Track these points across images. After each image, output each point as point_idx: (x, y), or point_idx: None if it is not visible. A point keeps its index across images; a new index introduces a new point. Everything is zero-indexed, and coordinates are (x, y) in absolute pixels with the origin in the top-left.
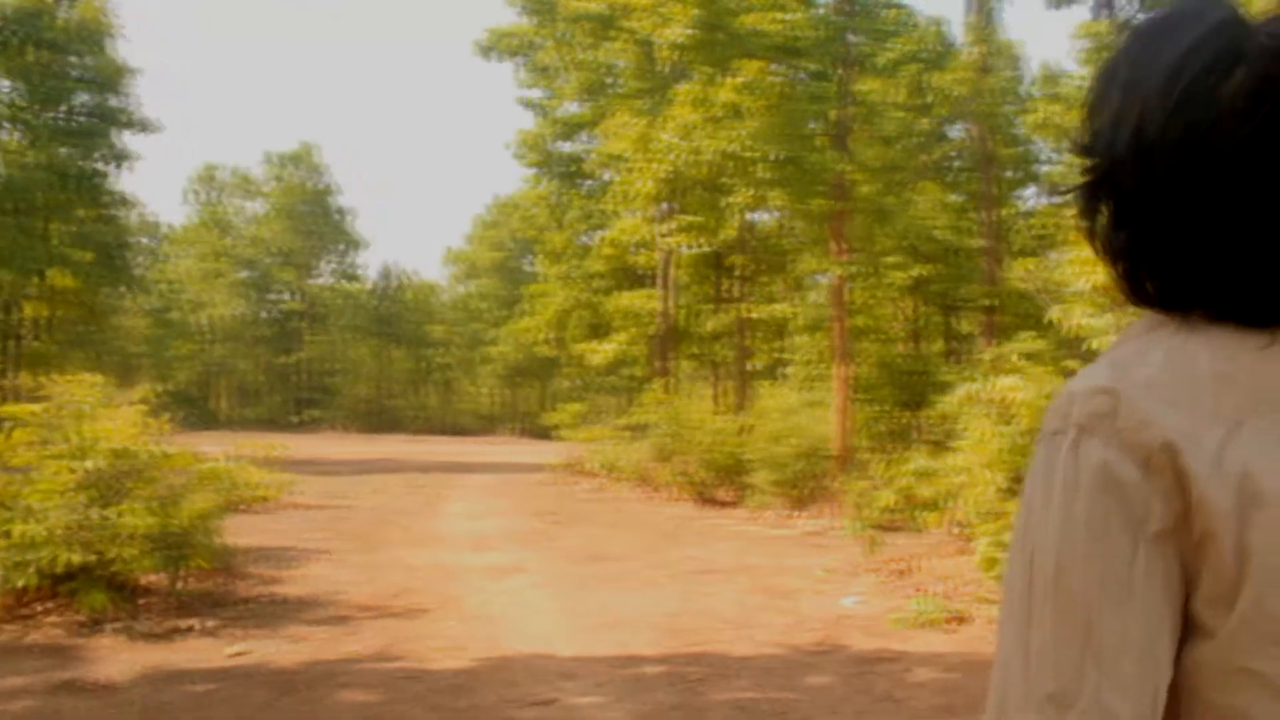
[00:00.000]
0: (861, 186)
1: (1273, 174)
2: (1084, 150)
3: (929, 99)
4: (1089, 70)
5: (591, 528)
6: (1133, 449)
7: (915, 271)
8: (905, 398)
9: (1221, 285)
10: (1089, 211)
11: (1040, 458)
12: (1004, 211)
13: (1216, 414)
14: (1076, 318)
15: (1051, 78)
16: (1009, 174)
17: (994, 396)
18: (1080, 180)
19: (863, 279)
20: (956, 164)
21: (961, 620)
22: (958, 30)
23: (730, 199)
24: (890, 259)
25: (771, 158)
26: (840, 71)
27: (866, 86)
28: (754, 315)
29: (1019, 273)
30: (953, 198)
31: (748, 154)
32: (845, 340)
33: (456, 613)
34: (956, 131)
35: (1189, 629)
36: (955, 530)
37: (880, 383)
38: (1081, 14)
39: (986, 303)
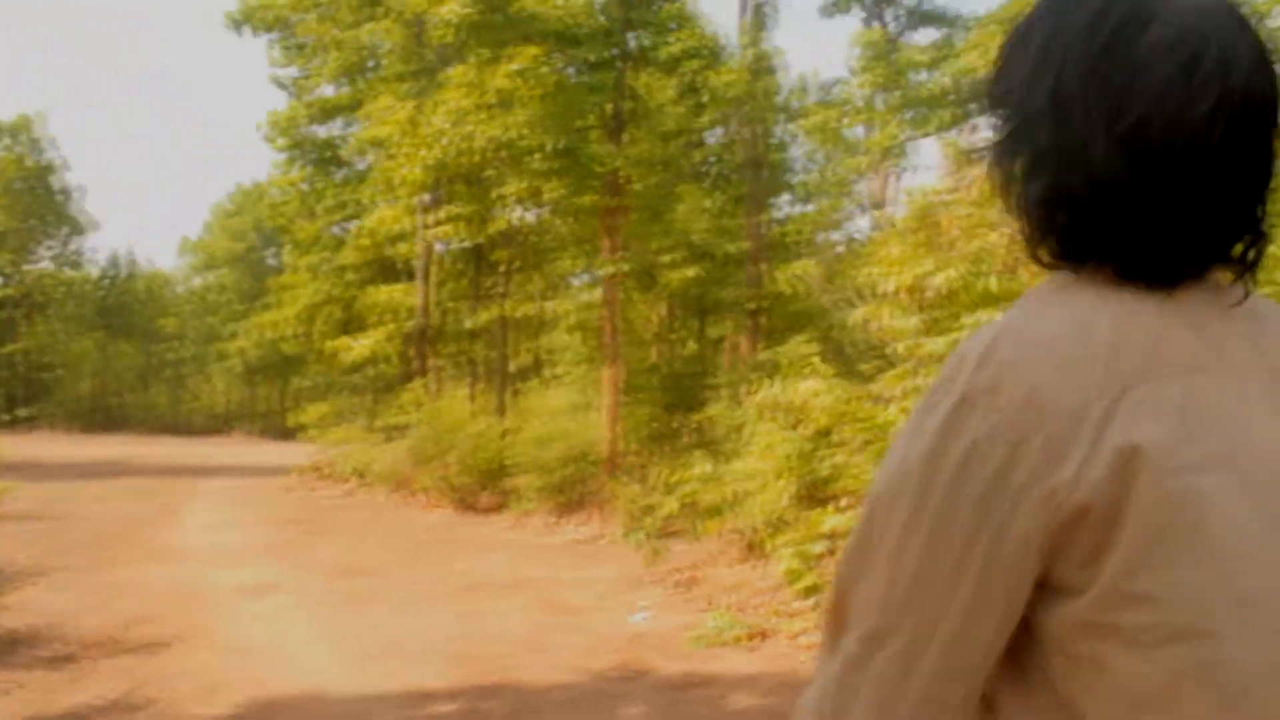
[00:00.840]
0: (636, 183)
1: (1187, 127)
2: (997, 104)
3: (704, 98)
4: (866, 76)
5: (347, 537)
6: (1008, 427)
7: (691, 272)
8: (674, 400)
9: (1129, 240)
10: (1002, 165)
11: (922, 406)
12: (764, 216)
13: (1104, 382)
14: (885, 319)
15: (825, 85)
16: (769, 179)
17: (792, 401)
18: (996, 135)
19: (634, 278)
20: (716, 168)
21: (764, 636)
22: (734, 33)
23: (502, 190)
24: (666, 258)
25: (550, 148)
26: (619, 64)
27: (644, 81)
28: (519, 313)
29: (794, 273)
30: (708, 202)
31: (523, 143)
32: (616, 341)
33: (207, 644)
34: (718, 135)
35: (1053, 590)
36: (736, 538)
37: (648, 385)
38: (853, 23)
39: (753, 306)
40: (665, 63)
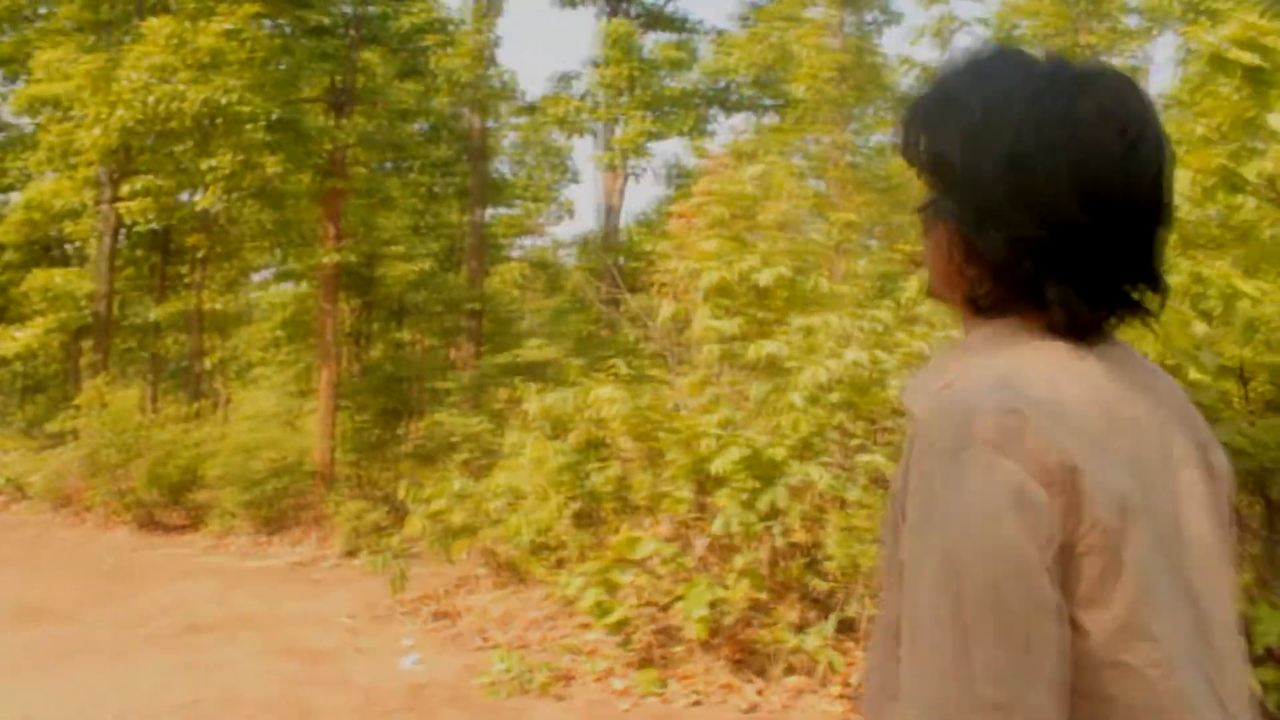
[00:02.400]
0: (363, 165)
1: (1142, 185)
2: (928, 165)
3: (437, 80)
4: (612, 70)
5: (16, 568)
6: (1042, 471)
7: (422, 266)
8: (394, 406)
9: (1083, 286)
10: (939, 218)
11: (943, 474)
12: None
13: (1094, 436)
14: (703, 319)
15: (566, 78)
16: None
17: (563, 409)
18: (932, 191)
19: (364, 268)
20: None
21: (566, 679)
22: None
23: (212, 162)
24: (395, 249)
25: (273, 117)
26: (348, 32)
27: (372, 56)
28: (216, 306)
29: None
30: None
31: (241, 108)
32: (335, 339)
33: None
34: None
35: (1076, 629)
36: (487, 561)
37: (366, 388)
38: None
39: (473, 306)
40: (396, 35)
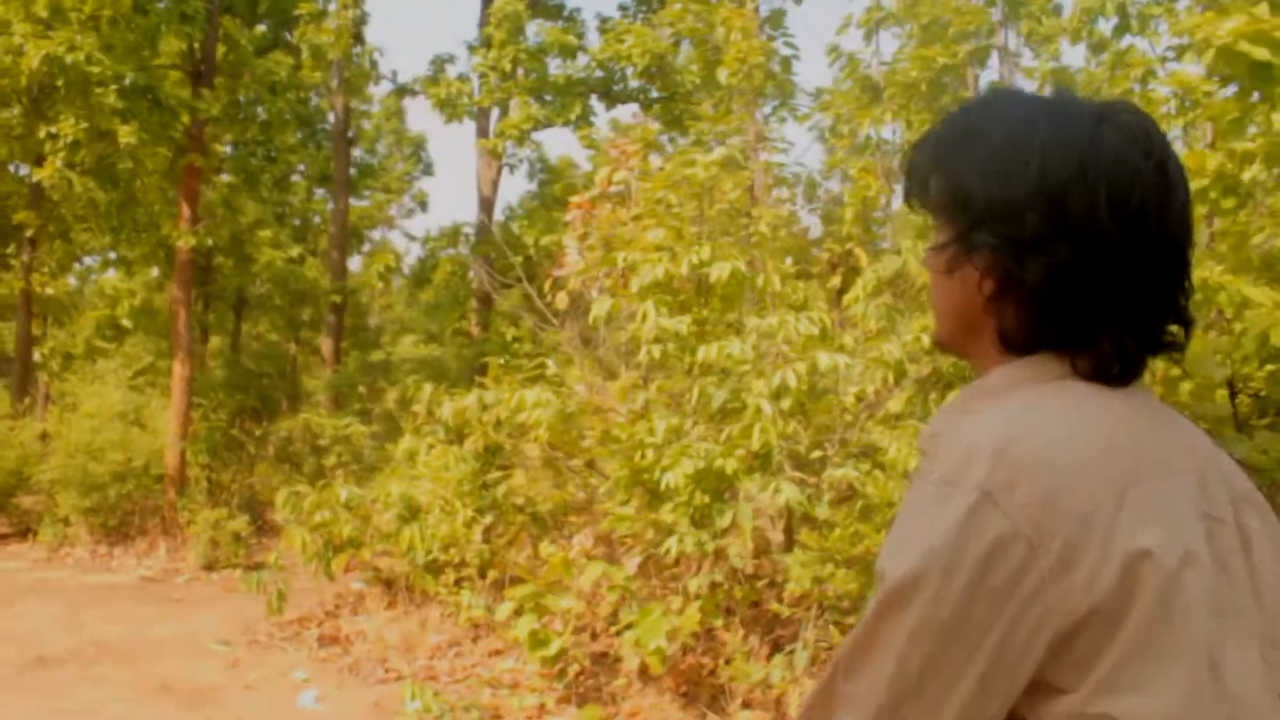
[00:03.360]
0: (228, 140)
1: (1174, 215)
2: (947, 204)
3: (306, 57)
4: (500, 52)
5: None
6: (1032, 526)
7: (295, 251)
8: (252, 405)
9: (1117, 335)
10: (956, 258)
11: (924, 505)
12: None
13: (1108, 486)
14: (651, 317)
15: (441, 60)
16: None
17: (491, 413)
18: (950, 229)
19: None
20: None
21: (495, 718)
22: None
23: (53, 128)
24: (264, 234)
25: (127, 82)
26: None
27: (237, 25)
28: (49, 291)
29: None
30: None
31: (90, 68)
32: (190, 330)
33: None
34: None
35: (1044, 688)
36: (372, 577)
37: (221, 385)
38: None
39: (336, 299)
40: (262, 2)
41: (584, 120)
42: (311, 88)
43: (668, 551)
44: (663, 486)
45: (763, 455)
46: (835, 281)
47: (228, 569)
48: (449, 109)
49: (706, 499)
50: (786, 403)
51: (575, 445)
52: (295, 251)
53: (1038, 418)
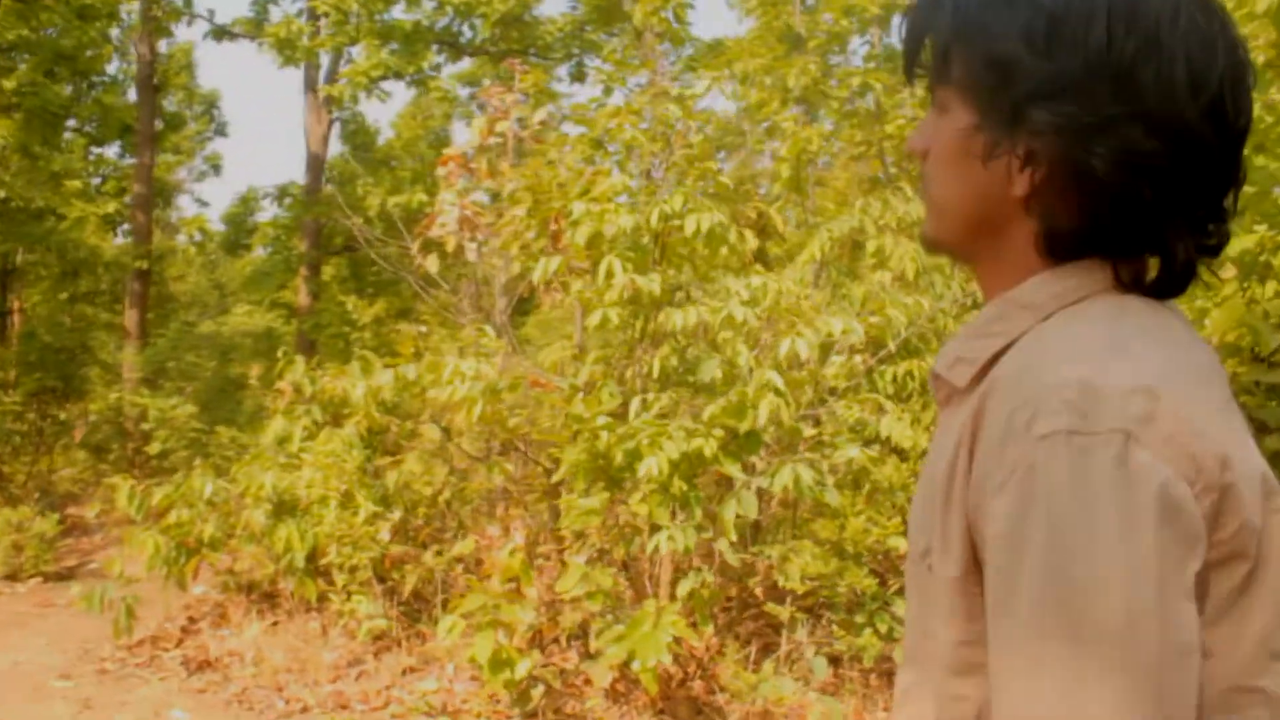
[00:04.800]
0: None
1: (1245, 107)
2: (982, 78)
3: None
4: None
5: None
6: (1188, 462)
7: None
8: (51, 385)
9: (1185, 239)
10: (998, 139)
11: (1054, 467)
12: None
13: (1222, 407)
14: (618, 276)
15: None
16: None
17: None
18: (989, 102)
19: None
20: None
21: None
22: None
23: None
24: (73, 184)
25: None
26: None
27: None
28: None
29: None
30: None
31: None
32: None
33: None
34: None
35: None
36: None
37: (11, 362)
38: None
39: (142, 265)
40: None
41: (434, 71)
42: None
43: (656, 549)
44: (642, 473)
45: (744, 436)
46: (754, 243)
47: (34, 578)
48: (286, 51)
49: (684, 486)
50: (796, 374)
51: (504, 425)
52: (111, 207)
53: (1142, 339)
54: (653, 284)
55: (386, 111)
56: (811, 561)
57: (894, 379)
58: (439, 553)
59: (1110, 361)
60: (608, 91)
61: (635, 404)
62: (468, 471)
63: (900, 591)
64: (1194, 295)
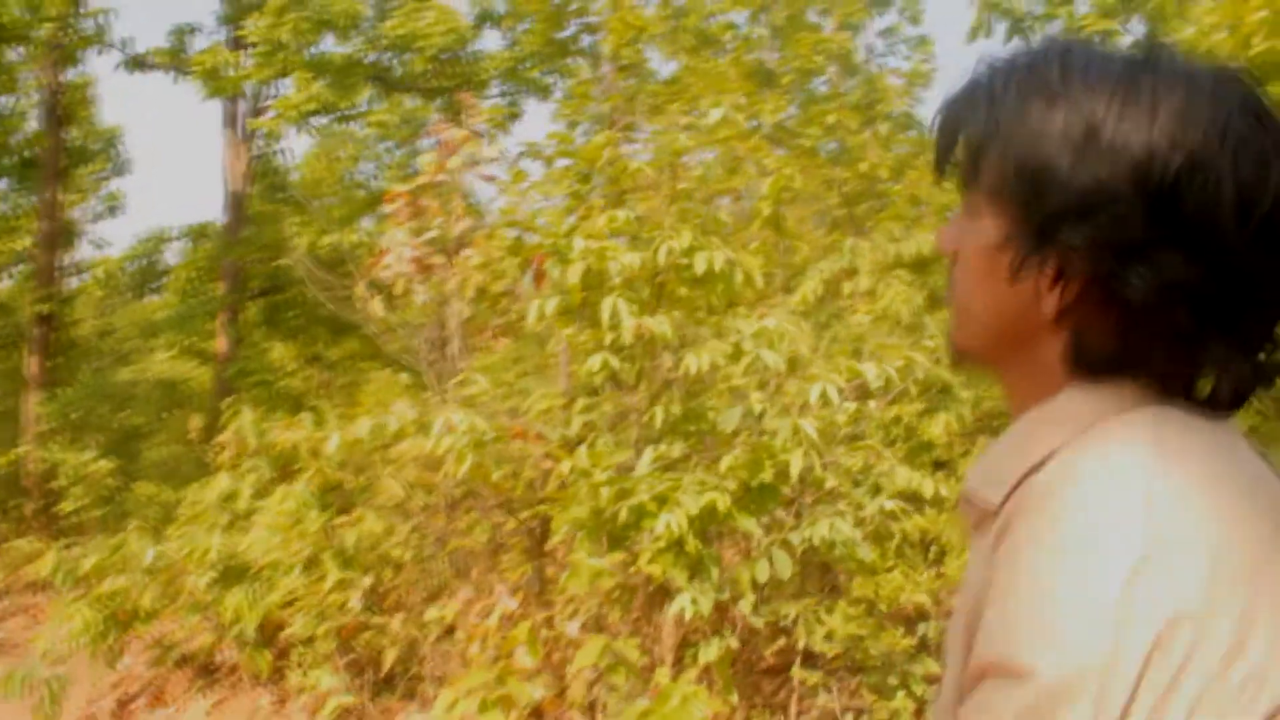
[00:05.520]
0: None
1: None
2: (1015, 187)
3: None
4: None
5: None
6: (1199, 599)
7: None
8: None
9: (1233, 359)
10: (1028, 256)
11: (1063, 572)
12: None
13: (1264, 538)
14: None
15: (182, 31)
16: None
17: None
18: (1011, 225)
19: None
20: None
21: None
22: None
23: None
24: None
25: None
26: None
27: None
28: None
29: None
30: None
31: None
32: None
33: None
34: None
35: None
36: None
37: None
38: None
39: (44, 309)
40: None
41: (370, 106)
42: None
43: (682, 611)
44: (660, 529)
45: (759, 489)
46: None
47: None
48: (213, 82)
49: (698, 544)
50: (817, 423)
51: (487, 480)
52: (24, 244)
53: (1173, 454)
54: (663, 326)
55: (299, 151)
56: (844, 623)
57: (898, 423)
58: (414, 620)
59: (1138, 476)
60: (572, 125)
61: (646, 455)
62: (442, 530)
63: (925, 648)
64: None
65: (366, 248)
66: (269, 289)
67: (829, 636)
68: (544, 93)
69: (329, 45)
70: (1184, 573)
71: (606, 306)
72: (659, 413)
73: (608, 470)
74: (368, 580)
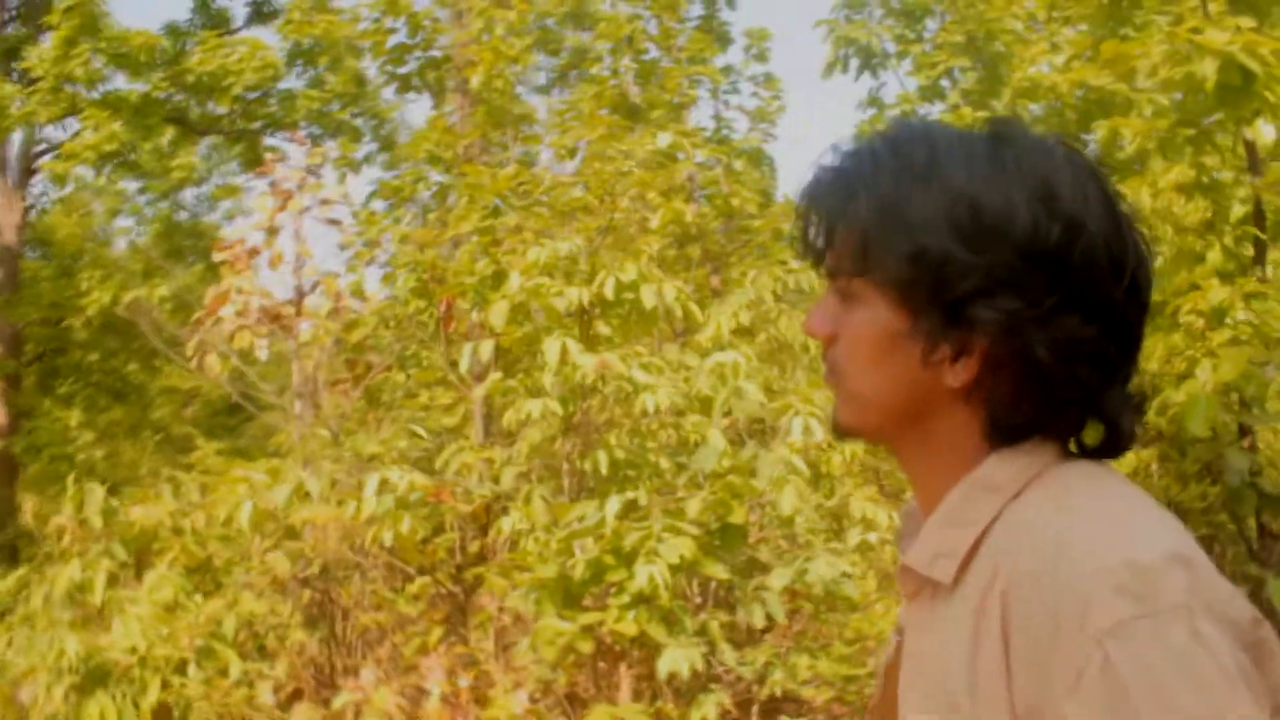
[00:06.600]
0: None
1: (1143, 270)
2: (902, 270)
3: None
4: (60, 51)
5: None
6: (1230, 626)
7: None
8: None
9: (1126, 408)
10: (937, 336)
11: (1137, 653)
12: None
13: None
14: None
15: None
16: None
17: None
18: (908, 309)
19: None
20: None
21: None
22: None
23: None
24: None
25: None
26: None
27: None
28: None
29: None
30: None
31: None
32: None
33: None
34: None
35: None
36: None
37: None
38: None
39: None
40: None
41: (177, 147)
42: None
43: (672, 676)
44: (643, 582)
45: (723, 531)
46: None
47: None
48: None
49: (669, 595)
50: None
51: (410, 546)
52: None
53: (1129, 504)
54: (620, 365)
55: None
56: (836, 663)
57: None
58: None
59: (1133, 535)
60: (433, 160)
61: (612, 505)
62: (352, 602)
63: None
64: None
65: (180, 302)
66: (50, 352)
67: (818, 678)
68: (353, 135)
69: (122, 83)
70: (1220, 615)
71: (552, 347)
72: (602, 458)
73: (569, 525)
74: (279, 669)
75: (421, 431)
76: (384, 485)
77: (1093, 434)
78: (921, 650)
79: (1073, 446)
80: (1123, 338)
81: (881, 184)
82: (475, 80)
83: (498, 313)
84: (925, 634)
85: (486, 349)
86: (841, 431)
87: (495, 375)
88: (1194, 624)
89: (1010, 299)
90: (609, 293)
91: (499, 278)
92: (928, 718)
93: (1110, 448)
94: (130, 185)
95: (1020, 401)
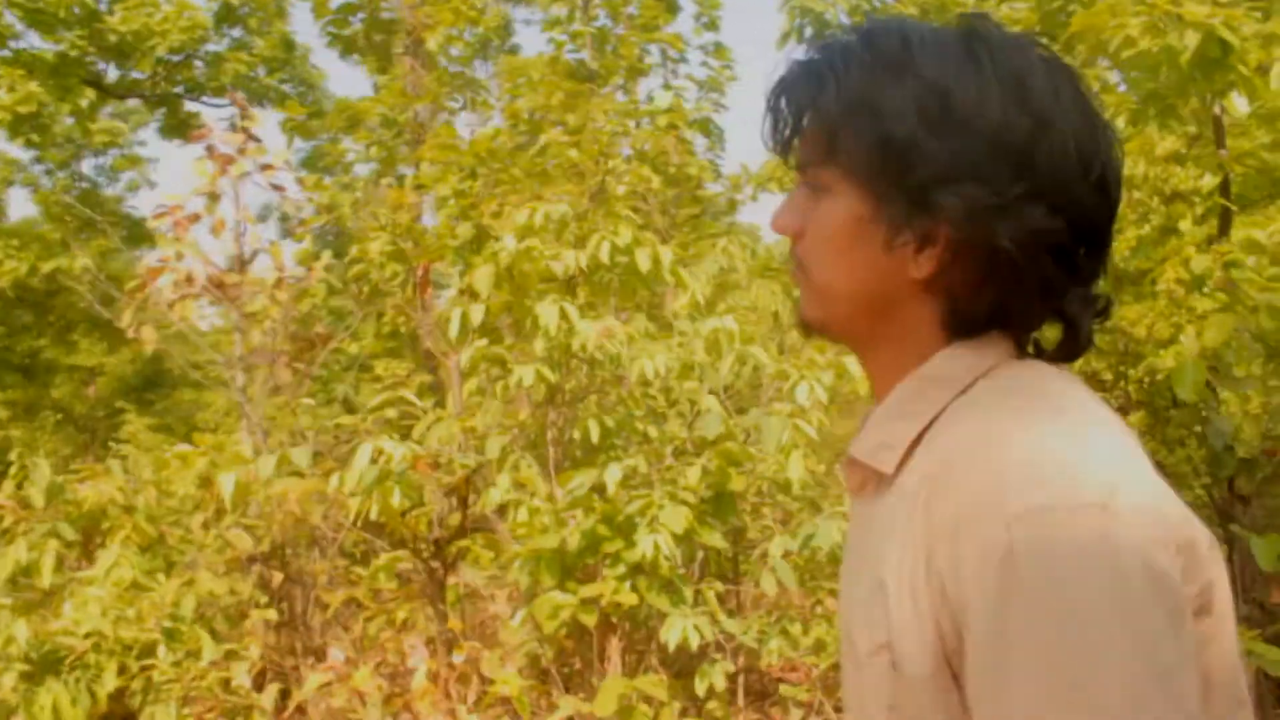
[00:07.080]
0: None
1: (1112, 168)
2: (870, 159)
3: None
4: None
5: None
6: (1157, 527)
7: None
8: None
9: (1085, 308)
10: (901, 221)
11: (1038, 545)
12: None
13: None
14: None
15: None
16: None
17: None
18: (876, 196)
19: None
20: None
21: None
22: None
23: None
24: None
25: None
26: None
27: None
28: None
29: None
30: None
31: None
32: None
33: None
34: None
35: None
36: None
37: None
38: None
39: None
40: None
41: (92, 111)
42: None
43: (685, 641)
44: (648, 552)
45: (718, 499)
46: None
47: None
48: None
49: (671, 565)
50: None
51: (394, 518)
52: None
53: (1069, 403)
54: (621, 331)
55: None
56: (835, 630)
57: None
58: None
59: (1066, 433)
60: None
61: (613, 472)
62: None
63: None
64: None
65: (105, 273)
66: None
67: (819, 647)
68: (280, 100)
69: (36, 41)
70: (1133, 514)
71: (549, 312)
72: (594, 426)
73: (570, 493)
74: (255, 651)
75: (413, 398)
76: (378, 455)
77: (1051, 335)
78: (862, 544)
79: (1031, 350)
80: (1089, 237)
81: (852, 74)
82: (432, 43)
83: (483, 277)
84: (866, 528)
85: (478, 313)
86: (808, 326)
87: (481, 342)
88: (1106, 524)
89: (974, 186)
90: (604, 256)
91: (479, 240)
92: (860, 613)
93: (1067, 350)
94: (22, 155)
95: (979, 291)
